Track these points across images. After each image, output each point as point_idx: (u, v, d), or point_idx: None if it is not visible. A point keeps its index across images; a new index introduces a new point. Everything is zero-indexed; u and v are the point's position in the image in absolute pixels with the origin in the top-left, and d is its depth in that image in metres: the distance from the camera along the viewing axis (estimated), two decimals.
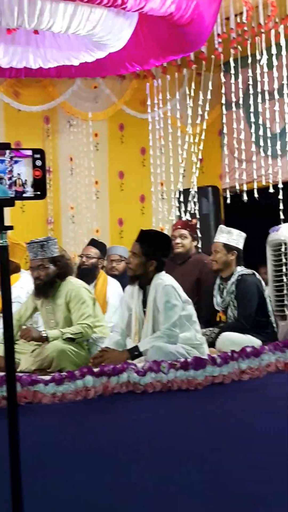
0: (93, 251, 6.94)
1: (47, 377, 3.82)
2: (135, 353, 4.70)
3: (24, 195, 2.36)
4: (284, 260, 6.42)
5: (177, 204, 8.42)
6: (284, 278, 6.39)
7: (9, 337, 2.29)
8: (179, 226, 6.82)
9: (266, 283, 6.32)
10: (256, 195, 6.83)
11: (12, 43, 6.43)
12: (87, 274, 6.81)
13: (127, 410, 3.91)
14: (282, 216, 6.39)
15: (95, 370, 3.92)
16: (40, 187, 2.36)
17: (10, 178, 2.30)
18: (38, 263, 5.33)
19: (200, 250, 7.04)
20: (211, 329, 5.87)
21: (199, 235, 7.14)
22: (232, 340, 5.41)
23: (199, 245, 7.28)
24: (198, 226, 7.24)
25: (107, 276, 6.95)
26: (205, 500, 3.95)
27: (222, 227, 6.18)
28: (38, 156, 2.36)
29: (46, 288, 5.35)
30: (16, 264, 6.18)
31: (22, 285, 6.01)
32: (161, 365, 4.09)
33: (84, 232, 8.81)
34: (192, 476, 3.93)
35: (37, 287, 5.38)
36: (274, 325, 5.86)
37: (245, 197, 6.86)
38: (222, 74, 7.66)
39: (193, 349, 4.77)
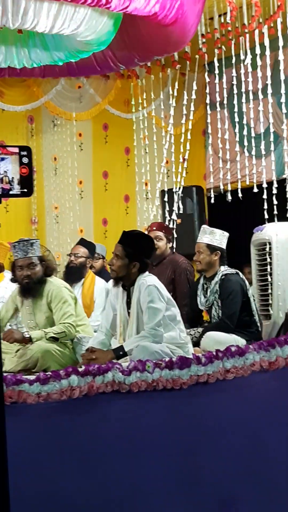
0: (82, 250, 6.97)
1: (32, 377, 3.80)
2: (120, 353, 4.71)
3: (11, 192, 2.36)
4: (268, 260, 6.45)
5: (161, 204, 8.43)
6: (269, 277, 6.42)
7: None
8: (154, 228, 6.84)
9: (250, 283, 6.34)
10: (240, 194, 6.85)
11: None
12: (75, 273, 6.83)
13: (112, 409, 3.90)
14: (266, 216, 6.40)
15: (80, 369, 3.91)
16: (26, 185, 2.36)
17: None
18: (27, 261, 5.32)
19: (174, 251, 7.05)
20: (195, 329, 5.88)
21: (175, 235, 7.16)
22: (217, 339, 5.43)
23: (178, 245, 7.29)
24: (174, 226, 7.26)
25: (95, 275, 6.97)
26: (190, 499, 3.96)
27: (205, 227, 6.19)
28: (24, 153, 2.36)
29: (34, 287, 5.34)
30: (0, 264, 6.16)
31: (7, 285, 5.99)
32: (146, 364, 4.08)
33: (68, 232, 8.81)
34: (177, 475, 3.94)
35: (26, 286, 5.35)
36: (258, 324, 5.88)
37: (229, 197, 6.87)
38: (206, 74, 7.66)
39: (178, 349, 4.78)
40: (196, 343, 5.59)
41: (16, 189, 2.34)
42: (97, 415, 3.85)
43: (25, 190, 2.35)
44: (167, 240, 6.81)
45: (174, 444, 3.97)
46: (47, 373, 3.85)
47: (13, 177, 2.34)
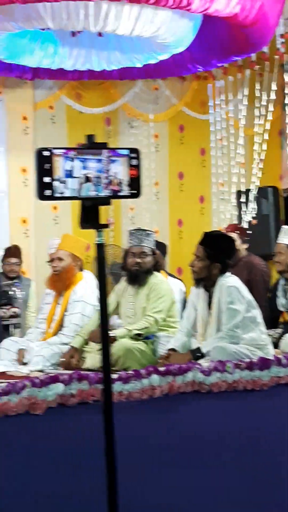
0: None
1: (114, 376, 3.85)
2: (197, 354, 4.72)
3: (120, 193, 2.43)
4: None
5: (237, 205, 8.39)
6: None
7: (105, 335, 2.33)
8: (229, 230, 6.80)
9: None
10: None
11: (76, 46, 6.51)
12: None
13: (192, 409, 3.92)
14: None
15: (161, 369, 3.94)
16: (135, 186, 2.42)
17: (107, 177, 2.36)
18: (140, 250, 5.48)
19: (249, 252, 7.00)
20: (274, 329, 5.84)
21: (247, 237, 7.08)
22: None
23: (254, 246, 7.22)
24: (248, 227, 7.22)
25: (167, 275, 6.99)
26: (267, 500, 3.94)
27: (285, 228, 6.12)
28: (134, 155, 2.42)
29: (141, 276, 5.47)
30: (82, 261, 6.14)
31: (85, 285, 5.99)
32: (226, 365, 4.09)
33: None
34: (257, 476, 3.93)
35: (134, 273, 5.49)
36: None
37: None
38: (284, 74, 7.60)
39: (258, 350, 4.75)
40: (274, 344, 5.54)
41: (126, 191, 2.40)
42: (177, 415, 3.88)
43: (135, 191, 2.41)
44: (242, 242, 6.77)
45: (254, 444, 3.96)
46: (128, 372, 3.90)
47: (122, 179, 2.40)
